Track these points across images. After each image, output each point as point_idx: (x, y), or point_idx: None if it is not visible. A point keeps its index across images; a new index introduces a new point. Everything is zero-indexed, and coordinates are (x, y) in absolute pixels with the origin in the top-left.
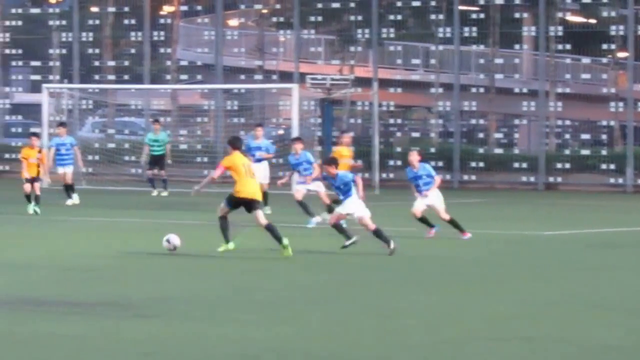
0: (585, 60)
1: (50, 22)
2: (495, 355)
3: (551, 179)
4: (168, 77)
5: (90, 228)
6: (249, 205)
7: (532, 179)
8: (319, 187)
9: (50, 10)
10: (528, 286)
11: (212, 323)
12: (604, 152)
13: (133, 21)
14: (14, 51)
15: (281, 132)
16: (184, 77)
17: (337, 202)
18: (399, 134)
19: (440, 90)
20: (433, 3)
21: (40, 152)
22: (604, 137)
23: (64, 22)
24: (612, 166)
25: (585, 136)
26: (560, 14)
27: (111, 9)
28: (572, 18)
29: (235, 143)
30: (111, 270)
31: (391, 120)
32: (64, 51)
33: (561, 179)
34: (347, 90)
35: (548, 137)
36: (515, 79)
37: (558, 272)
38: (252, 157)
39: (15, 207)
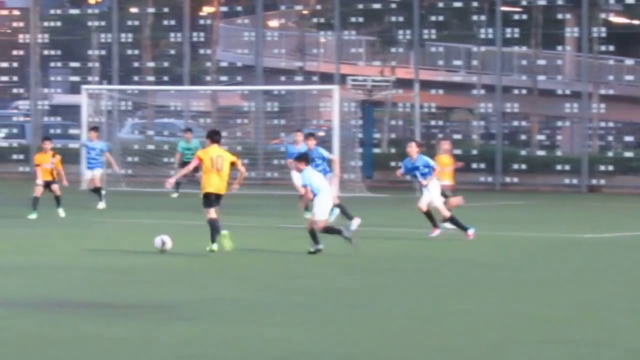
0: (629, 61)
1: (90, 23)
2: (540, 358)
3: (594, 182)
4: (208, 78)
5: (128, 230)
6: (215, 199)
7: (574, 181)
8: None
9: (90, 11)
10: (570, 289)
11: (251, 325)
12: None
13: (173, 22)
14: (52, 52)
15: (322, 133)
16: (223, 78)
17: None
18: (440, 136)
19: (482, 91)
20: (475, 4)
21: (54, 156)
22: None
23: (103, 23)
24: None
25: (628, 138)
26: (603, 15)
27: (151, 10)
28: (615, 19)
29: (213, 136)
30: (150, 272)
31: (432, 122)
32: (103, 52)
33: (604, 181)
34: (388, 92)
35: (591, 139)
36: (557, 81)
37: (600, 275)
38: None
39: (52, 209)
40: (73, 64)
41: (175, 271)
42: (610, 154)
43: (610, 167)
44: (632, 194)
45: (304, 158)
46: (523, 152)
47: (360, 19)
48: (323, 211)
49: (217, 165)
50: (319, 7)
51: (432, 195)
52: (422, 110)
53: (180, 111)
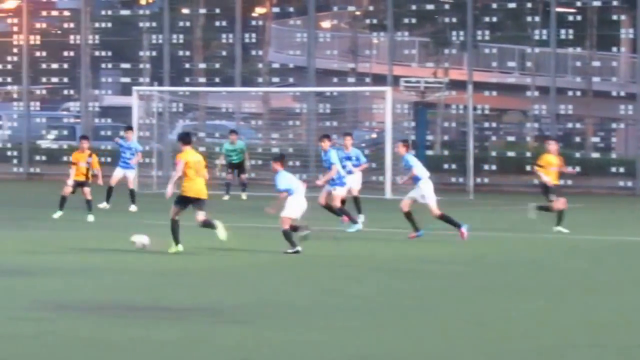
0: None
1: (141, 24)
2: None
3: None
4: (259, 79)
5: (180, 233)
6: (196, 203)
7: (629, 183)
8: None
9: (141, 11)
10: (625, 293)
11: (306, 329)
12: None
13: (224, 23)
14: (103, 53)
15: (374, 135)
16: (275, 79)
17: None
18: (494, 138)
19: (536, 93)
20: (529, 5)
21: (91, 155)
22: None
23: (154, 24)
24: None
25: None
26: None
27: (202, 11)
28: None
29: (185, 139)
30: (200, 275)
31: (486, 124)
32: (154, 53)
33: None
34: (441, 94)
35: None
36: (612, 82)
37: None
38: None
39: (103, 211)
40: (124, 65)
41: (226, 274)
42: None
43: None
44: None
45: (280, 159)
46: (577, 155)
47: (413, 20)
48: (294, 210)
49: (198, 171)
50: (371, 8)
51: (421, 193)
52: (476, 112)
53: (231, 113)
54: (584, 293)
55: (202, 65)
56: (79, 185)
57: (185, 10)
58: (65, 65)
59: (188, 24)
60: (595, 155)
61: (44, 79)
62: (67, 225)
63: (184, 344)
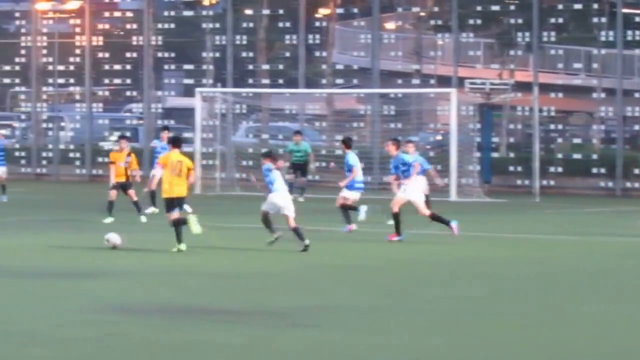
0: None
1: (204, 25)
2: None
3: None
4: (323, 81)
5: (242, 235)
6: (179, 202)
7: None
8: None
9: (204, 12)
10: None
11: (369, 332)
12: None
13: (288, 24)
14: (166, 55)
15: (439, 137)
16: (339, 81)
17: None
18: (560, 140)
19: (603, 95)
20: (595, 6)
21: (129, 155)
22: None
23: (217, 25)
24: None
25: None
26: None
27: (265, 12)
28: None
29: (174, 141)
30: (265, 279)
31: (552, 126)
32: (217, 54)
33: None
34: (507, 95)
35: None
36: None
37: None
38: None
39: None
40: (187, 67)
41: (287, 277)
42: None
43: None
44: None
45: (269, 155)
46: None
47: (479, 21)
48: (271, 206)
49: (176, 171)
50: (436, 9)
51: (411, 193)
52: (541, 113)
53: (295, 114)
54: None
55: (266, 67)
56: (120, 187)
57: (248, 11)
58: (128, 67)
59: (251, 25)
60: None
61: (106, 80)
62: (125, 228)
63: (248, 348)
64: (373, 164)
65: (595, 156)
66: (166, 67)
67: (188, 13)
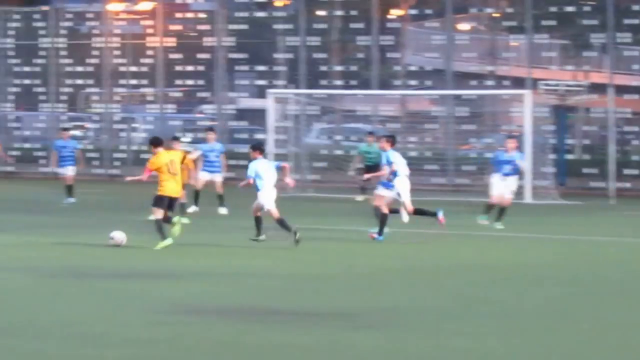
0: None
1: (276, 26)
2: None
3: None
4: (397, 82)
5: (313, 237)
6: (171, 203)
7: None
8: None
9: (276, 14)
10: None
11: (441, 335)
12: None
13: (361, 25)
14: (238, 56)
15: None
16: (413, 82)
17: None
18: (635, 142)
19: None
20: None
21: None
22: None
23: (290, 26)
24: None
25: None
26: None
27: (338, 13)
28: None
29: (155, 142)
30: (337, 280)
31: (627, 128)
32: (290, 56)
33: None
34: (582, 97)
35: None
36: None
37: None
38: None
39: (237, 217)
40: (259, 68)
41: (359, 278)
42: None
43: None
44: None
45: (258, 147)
46: None
47: (553, 22)
48: (266, 201)
49: (172, 170)
50: (510, 10)
51: (397, 191)
52: (617, 115)
53: (368, 116)
54: None
55: (339, 68)
56: None
57: (321, 13)
58: (201, 68)
59: (324, 26)
60: None
61: (178, 82)
62: (193, 228)
63: (320, 350)
64: (447, 165)
65: None
66: (238, 68)
67: (260, 14)
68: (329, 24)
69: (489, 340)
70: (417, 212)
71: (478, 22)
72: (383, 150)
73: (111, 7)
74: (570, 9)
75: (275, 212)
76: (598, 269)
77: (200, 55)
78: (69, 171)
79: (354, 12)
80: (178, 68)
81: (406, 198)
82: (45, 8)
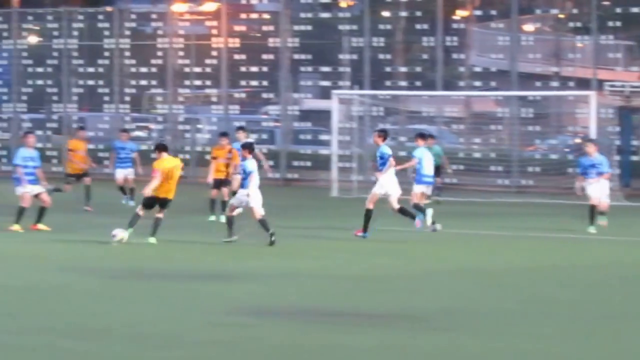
0: None
1: (341, 27)
2: None
3: None
4: (461, 83)
5: (377, 238)
6: (162, 203)
7: None
8: None
9: (341, 14)
10: None
11: (507, 337)
12: None
13: (425, 26)
14: (303, 57)
15: (578, 140)
16: (477, 83)
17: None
18: None
19: None
20: None
21: (230, 152)
22: None
23: (354, 27)
24: None
25: None
26: None
27: (403, 14)
28: None
29: (160, 148)
30: (396, 281)
31: None
32: (354, 57)
33: None
34: None
35: None
36: None
37: None
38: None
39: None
40: (323, 69)
41: (418, 279)
42: None
43: None
44: None
45: (248, 147)
46: None
47: (618, 23)
48: (256, 201)
49: (170, 175)
50: (575, 11)
51: (386, 187)
52: None
53: (432, 117)
54: None
55: (403, 69)
56: (220, 184)
57: (385, 13)
58: (265, 69)
59: (389, 27)
60: None
61: (243, 82)
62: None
63: (381, 352)
64: (512, 166)
65: None
66: (303, 69)
67: (325, 15)
68: (394, 25)
69: (555, 342)
70: (401, 211)
71: (543, 23)
72: (376, 144)
73: (175, 7)
74: (635, 10)
75: (259, 212)
76: None
77: (264, 56)
78: (119, 173)
79: (418, 13)
80: (242, 69)
81: (393, 195)
82: (109, 9)
